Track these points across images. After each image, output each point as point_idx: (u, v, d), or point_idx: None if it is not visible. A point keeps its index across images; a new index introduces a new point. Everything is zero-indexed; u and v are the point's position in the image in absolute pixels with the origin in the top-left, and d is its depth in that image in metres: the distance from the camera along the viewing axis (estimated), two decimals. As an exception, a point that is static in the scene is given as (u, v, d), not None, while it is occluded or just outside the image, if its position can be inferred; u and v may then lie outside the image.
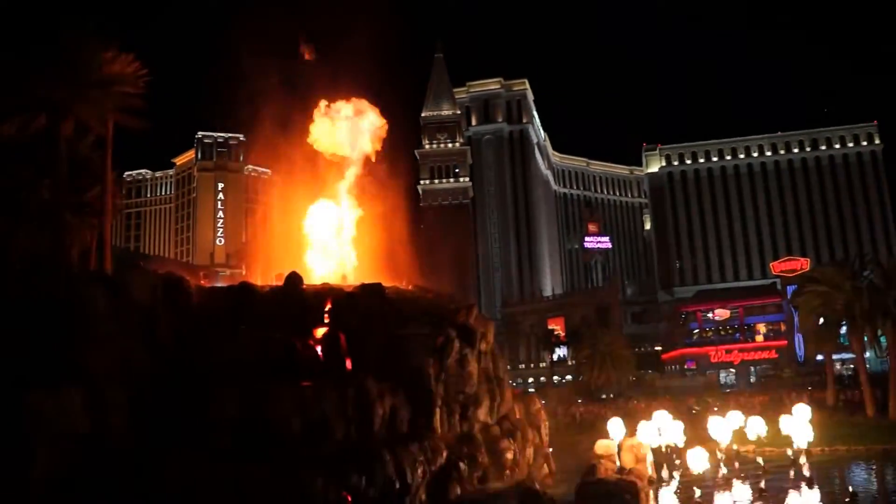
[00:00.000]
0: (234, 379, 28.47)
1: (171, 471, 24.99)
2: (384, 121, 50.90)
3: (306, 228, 48.95)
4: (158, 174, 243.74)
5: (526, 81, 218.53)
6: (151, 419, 26.91)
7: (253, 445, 27.11)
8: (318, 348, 33.47)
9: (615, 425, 37.79)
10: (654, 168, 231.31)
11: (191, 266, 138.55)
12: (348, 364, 33.35)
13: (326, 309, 35.56)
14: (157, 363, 28.42)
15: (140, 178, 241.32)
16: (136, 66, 41.71)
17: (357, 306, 35.15)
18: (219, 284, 38.44)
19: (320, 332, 34.34)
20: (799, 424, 37.85)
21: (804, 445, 37.38)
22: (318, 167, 48.99)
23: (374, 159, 50.20)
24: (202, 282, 41.37)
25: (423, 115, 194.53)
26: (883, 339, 62.31)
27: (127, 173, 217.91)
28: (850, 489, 32.04)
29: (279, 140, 49.96)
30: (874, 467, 42.68)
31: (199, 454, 25.50)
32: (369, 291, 36.08)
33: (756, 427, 40.17)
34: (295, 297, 35.49)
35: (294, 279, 36.45)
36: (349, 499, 26.12)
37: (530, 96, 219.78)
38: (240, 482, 25.19)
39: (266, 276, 42.94)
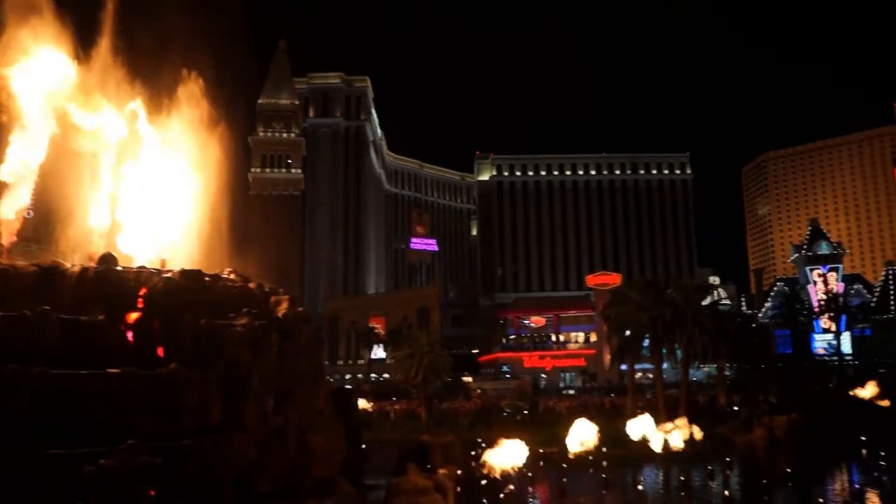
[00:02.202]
0: (34, 363, 26.70)
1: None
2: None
3: (121, 205, 46.11)
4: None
5: (367, 78, 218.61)
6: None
7: (50, 433, 25.52)
8: (129, 334, 32.04)
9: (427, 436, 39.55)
10: (484, 176, 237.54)
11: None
12: (160, 351, 32.14)
13: (141, 293, 34.03)
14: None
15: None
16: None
17: (173, 292, 33.85)
18: (22, 262, 35.73)
19: (132, 316, 32.85)
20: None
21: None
22: (133, 136, 45.95)
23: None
24: (3, 257, 38.37)
25: (259, 101, 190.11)
26: (679, 352, 67.72)
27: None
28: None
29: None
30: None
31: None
32: (187, 278, 34.85)
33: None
34: (108, 279, 33.74)
35: (107, 260, 34.73)
36: (152, 493, 25.10)
37: (370, 94, 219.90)
38: (27, 471, 23.67)
39: (77, 255, 40.38)
